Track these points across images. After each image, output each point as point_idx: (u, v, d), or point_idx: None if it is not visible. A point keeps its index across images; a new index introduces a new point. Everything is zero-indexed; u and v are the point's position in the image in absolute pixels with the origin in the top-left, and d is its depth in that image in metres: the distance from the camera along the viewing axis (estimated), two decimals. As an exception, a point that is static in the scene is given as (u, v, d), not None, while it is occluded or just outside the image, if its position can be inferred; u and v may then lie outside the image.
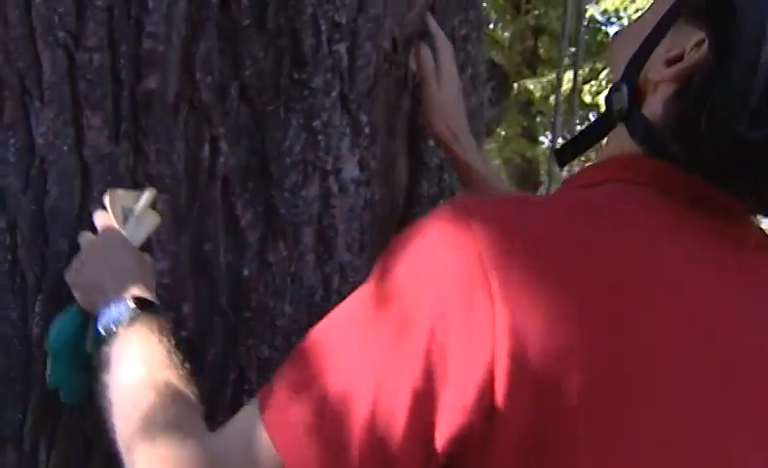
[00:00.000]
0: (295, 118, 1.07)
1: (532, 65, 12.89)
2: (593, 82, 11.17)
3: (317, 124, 1.08)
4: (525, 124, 12.95)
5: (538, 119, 14.31)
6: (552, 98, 11.65)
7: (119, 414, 0.73)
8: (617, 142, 0.75)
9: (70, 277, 0.94)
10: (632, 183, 0.69)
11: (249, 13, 1.02)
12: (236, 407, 1.04)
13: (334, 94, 1.10)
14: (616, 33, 0.87)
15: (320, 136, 1.08)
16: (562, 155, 0.89)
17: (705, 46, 0.66)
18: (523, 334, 0.56)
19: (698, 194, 0.67)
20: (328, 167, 1.10)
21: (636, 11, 10.40)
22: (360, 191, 1.15)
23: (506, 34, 14.13)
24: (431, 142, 1.26)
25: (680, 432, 0.60)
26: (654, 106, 0.70)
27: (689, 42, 0.68)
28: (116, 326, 0.81)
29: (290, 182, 1.07)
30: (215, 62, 1.02)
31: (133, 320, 0.81)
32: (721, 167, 0.66)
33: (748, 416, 0.63)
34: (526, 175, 13.71)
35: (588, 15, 10.50)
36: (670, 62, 0.69)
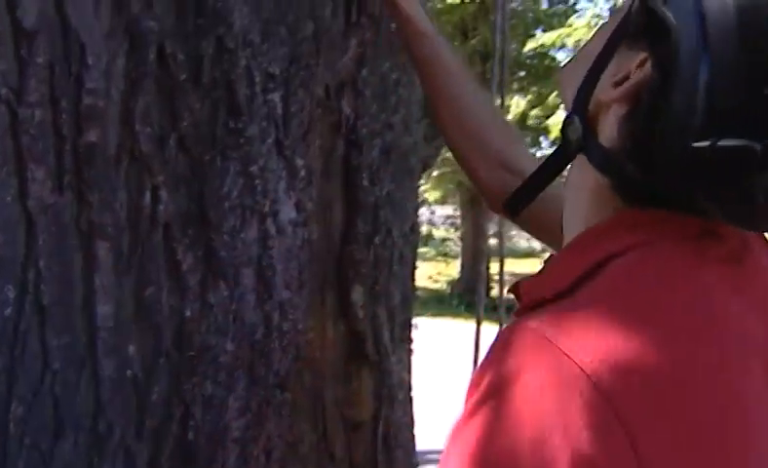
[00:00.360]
0: (233, 165, 1.12)
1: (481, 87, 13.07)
2: (539, 107, 11.43)
3: (254, 169, 1.14)
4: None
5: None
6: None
7: None
8: (580, 174, 0.76)
9: None
10: (657, 252, 0.68)
11: (185, 67, 1.08)
12: (181, 443, 1.09)
13: (270, 140, 1.16)
14: (563, 66, 0.89)
15: (257, 181, 1.14)
16: (516, 203, 0.91)
17: (648, 64, 0.68)
18: None
19: (693, 230, 0.69)
20: (266, 210, 1.16)
21: (578, 41, 10.71)
22: (297, 232, 1.21)
23: (454, 59, 14.33)
24: (365, 182, 1.33)
25: None
26: (609, 131, 0.71)
27: (633, 62, 0.69)
28: None
29: (229, 226, 1.12)
30: (154, 115, 1.07)
31: None
32: (678, 184, 0.67)
33: None
34: (477, 197, 13.90)
35: (538, 42, 10.79)
36: (617, 84, 0.71)
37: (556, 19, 12.98)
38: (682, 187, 0.67)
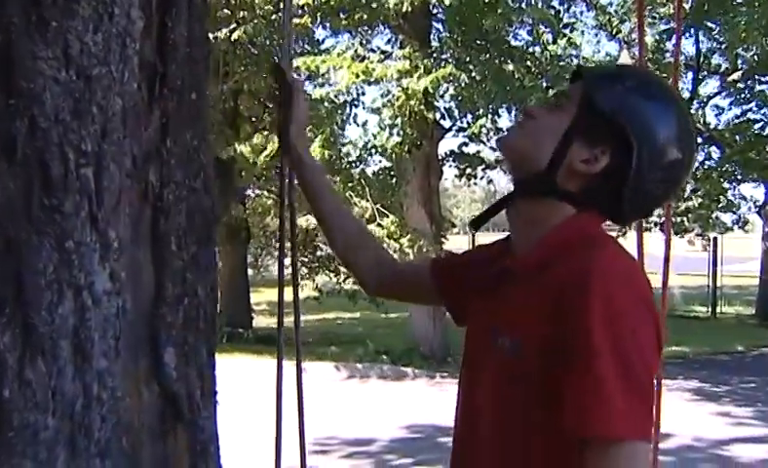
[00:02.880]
0: (48, 241, 1.13)
1: (233, 124, 13.13)
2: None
3: (69, 244, 1.15)
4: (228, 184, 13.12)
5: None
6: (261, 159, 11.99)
7: None
8: (542, 206, 1.33)
9: None
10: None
11: (-3, 147, 1.08)
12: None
13: (83, 214, 1.18)
14: (507, 135, 1.55)
15: (72, 256, 1.16)
16: (478, 224, 1.49)
17: (608, 156, 1.29)
18: None
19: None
20: (81, 282, 1.18)
21: (327, 70, 11.14)
22: (112, 301, 1.23)
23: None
24: (173, 247, 1.38)
25: None
26: (571, 185, 1.31)
27: (594, 151, 1.29)
28: None
29: (46, 302, 1.13)
30: (-34, 196, 1.06)
31: None
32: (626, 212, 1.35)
33: None
34: (234, 231, 13.89)
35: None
36: (584, 162, 1.30)
37: (305, 53, 13.39)
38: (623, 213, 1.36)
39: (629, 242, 1.89)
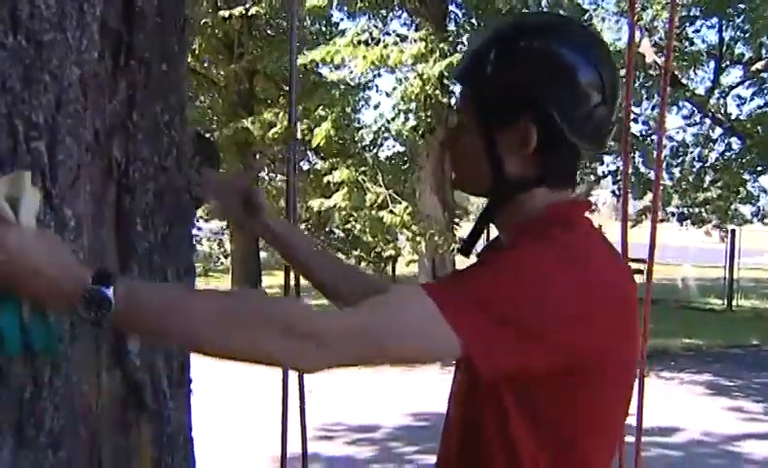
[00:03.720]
0: (-6, 218, 1.06)
1: (248, 106, 13.09)
2: (305, 120, 11.63)
3: (18, 222, 1.08)
4: (242, 163, 13.09)
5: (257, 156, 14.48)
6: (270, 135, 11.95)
7: (221, 331, 1.02)
8: (517, 202, 1.25)
9: None
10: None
11: (-63, 116, 1.00)
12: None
13: (36, 190, 1.11)
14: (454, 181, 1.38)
15: (22, 234, 1.08)
16: (468, 249, 1.37)
17: (532, 123, 1.20)
18: None
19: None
20: (33, 263, 1.10)
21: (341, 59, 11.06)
22: (67, 283, 1.16)
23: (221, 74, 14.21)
24: (139, 228, 1.31)
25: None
26: (524, 168, 1.23)
27: (517, 128, 1.20)
28: (108, 298, 0.99)
29: (-8, 282, 1.06)
30: None
31: (119, 288, 1.00)
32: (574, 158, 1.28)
33: None
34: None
35: (307, 59, 11.00)
36: (521, 144, 1.21)
37: (321, 38, 13.31)
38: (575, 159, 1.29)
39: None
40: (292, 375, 2.30)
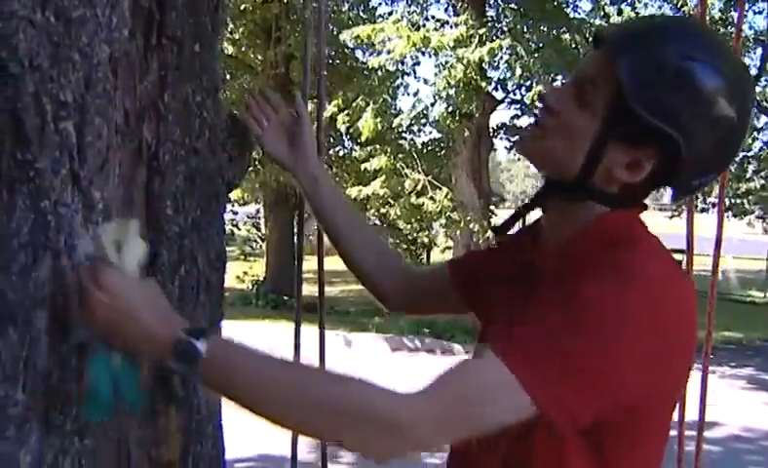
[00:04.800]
0: (21, 199, 1.04)
1: (285, 89, 13.07)
2: (347, 111, 11.57)
3: (45, 204, 1.05)
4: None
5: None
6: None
7: (294, 403, 1.01)
8: (578, 204, 1.15)
9: (93, 312, 1.04)
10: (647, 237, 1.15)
11: (-37, 94, 0.98)
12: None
13: (64, 172, 1.08)
14: (530, 128, 1.22)
15: (49, 217, 1.06)
16: (503, 230, 1.29)
17: (653, 159, 1.09)
18: None
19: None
20: (60, 246, 1.08)
21: (381, 40, 10.98)
22: (96, 266, 1.13)
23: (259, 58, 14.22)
24: (169, 211, 1.28)
25: None
26: (611, 186, 1.12)
27: (637, 154, 1.09)
28: (199, 351, 1.01)
29: (19, 266, 1.04)
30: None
31: (209, 344, 1.02)
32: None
33: None
34: (282, 197, 13.90)
35: (352, 34, 10.94)
36: (626, 168, 1.10)
37: (360, 21, 13.21)
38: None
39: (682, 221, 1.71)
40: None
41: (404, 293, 1.55)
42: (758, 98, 15.34)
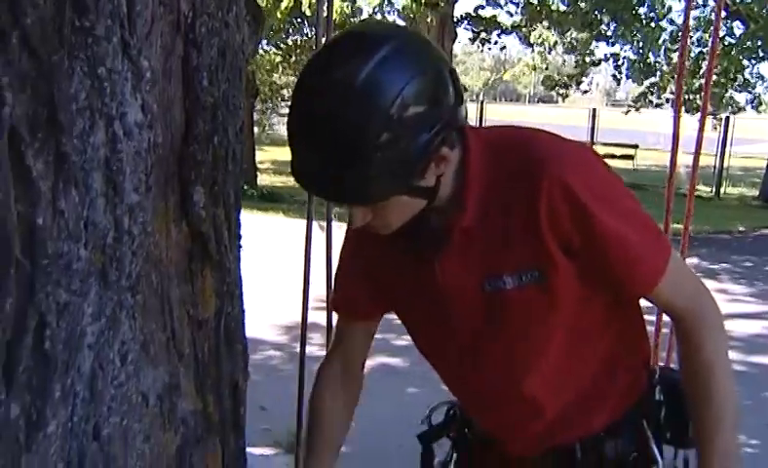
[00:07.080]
0: (80, 65, 1.08)
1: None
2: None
3: (101, 71, 1.10)
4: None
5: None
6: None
7: None
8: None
9: None
10: None
11: (26, -40, 1.01)
12: (36, 355, 1.07)
13: (115, 39, 1.12)
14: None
15: (105, 83, 1.11)
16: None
17: (444, 142, 1.12)
18: None
19: None
20: (113, 112, 1.13)
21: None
22: (143, 134, 1.19)
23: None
24: (205, 83, 1.32)
25: None
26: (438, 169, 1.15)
27: (433, 155, 1.10)
28: None
29: (78, 130, 1.09)
30: (-6, 10, 0.99)
31: None
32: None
33: None
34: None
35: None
36: (437, 164, 1.13)
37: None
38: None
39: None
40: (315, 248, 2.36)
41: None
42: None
